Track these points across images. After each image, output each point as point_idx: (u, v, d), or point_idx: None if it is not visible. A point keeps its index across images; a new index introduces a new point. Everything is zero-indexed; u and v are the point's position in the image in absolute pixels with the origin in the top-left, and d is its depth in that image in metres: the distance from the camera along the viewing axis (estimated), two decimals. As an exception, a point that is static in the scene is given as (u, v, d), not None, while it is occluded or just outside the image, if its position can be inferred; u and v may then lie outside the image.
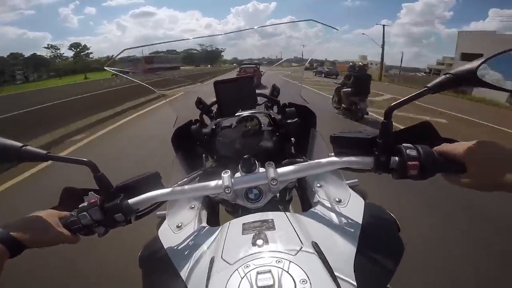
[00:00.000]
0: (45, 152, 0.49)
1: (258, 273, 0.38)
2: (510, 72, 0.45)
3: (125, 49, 0.89)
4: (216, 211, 0.81)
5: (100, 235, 0.54)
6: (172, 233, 0.60)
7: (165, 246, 0.55)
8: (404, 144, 0.49)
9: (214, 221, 0.74)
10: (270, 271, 0.38)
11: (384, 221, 0.54)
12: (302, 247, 0.43)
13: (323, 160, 0.56)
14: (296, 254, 0.41)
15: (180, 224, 0.62)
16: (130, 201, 0.54)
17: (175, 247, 0.55)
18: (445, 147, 0.47)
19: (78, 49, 63.19)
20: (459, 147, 0.45)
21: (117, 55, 0.90)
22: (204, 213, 0.69)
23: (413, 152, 0.47)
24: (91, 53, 65.48)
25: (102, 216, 0.52)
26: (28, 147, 0.48)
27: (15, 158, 0.48)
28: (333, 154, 0.57)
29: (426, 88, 0.46)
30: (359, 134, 0.55)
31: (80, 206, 0.53)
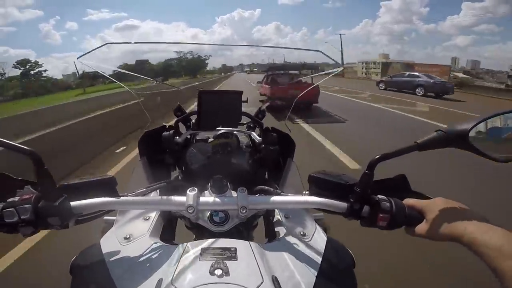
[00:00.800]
0: None
1: None
2: (500, 137, 0.46)
3: (106, 43, 0.83)
4: (173, 226, 0.75)
5: (26, 235, 0.46)
6: (117, 244, 0.54)
7: (106, 258, 0.49)
8: (379, 196, 0.51)
9: (169, 237, 0.69)
10: None
11: (342, 257, 0.55)
12: (262, 282, 0.41)
13: (299, 198, 0.55)
14: None
15: (128, 236, 0.56)
16: (73, 203, 0.48)
17: (118, 261, 0.49)
18: (411, 201, 0.51)
19: (26, 67, 44.99)
20: (422, 202, 0.50)
21: (96, 48, 0.78)
22: (159, 227, 0.63)
23: (386, 205, 0.49)
24: (44, 70, 47.04)
25: (32, 216, 0.44)
26: None
27: None
28: (307, 192, 0.57)
29: (415, 144, 0.47)
30: (338, 179, 0.55)
31: (8, 200, 0.45)
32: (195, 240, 0.61)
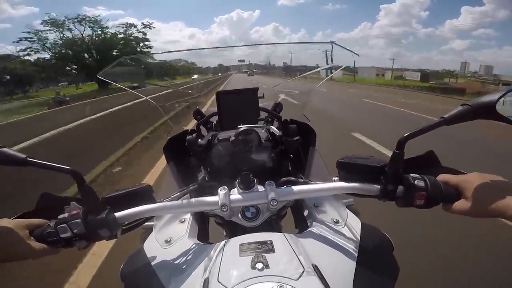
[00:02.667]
0: (24, 156, 0.45)
1: None
2: None
3: (120, 59, 0.88)
4: (206, 225, 0.78)
5: (80, 249, 0.49)
6: (160, 248, 0.56)
7: (152, 262, 0.52)
8: (411, 175, 0.50)
9: (204, 236, 0.71)
10: None
11: (380, 241, 0.54)
12: (303, 271, 0.41)
13: (329, 185, 0.55)
14: (298, 278, 0.40)
15: (169, 239, 0.58)
16: (117, 214, 0.50)
17: (163, 264, 0.51)
18: (445, 176, 0.50)
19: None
20: (458, 178, 0.49)
21: (113, 65, 0.87)
22: (195, 228, 0.66)
23: (421, 183, 0.49)
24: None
25: (84, 230, 0.47)
26: (5, 149, 0.45)
27: None
28: (337, 178, 0.57)
29: (442, 119, 0.47)
30: (368, 162, 0.55)
31: (59, 217, 0.48)
32: (227, 236, 0.63)
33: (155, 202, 0.54)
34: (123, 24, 33.99)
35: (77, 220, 0.47)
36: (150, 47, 34.54)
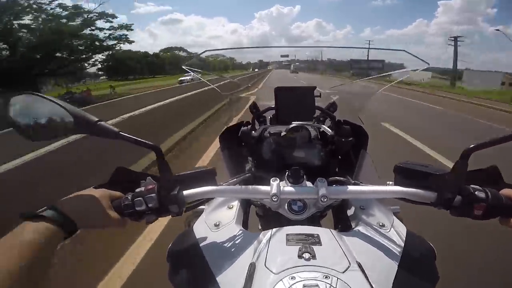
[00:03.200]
0: (117, 130, 0.49)
1: (304, 285, 0.38)
2: None
3: (206, 50, 0.98)
4: (247, 214, 0.81)
5: (148, 223, 0.52)
6: (209, 230, 0.59)
7: (200, 243, 0.54)
8: (472, 186, 0.49)
9: (246, 224, 0.75)
10: (317, 286, 0.37)
11: (423, 249, 0.54)
12: (349, 266, 0.42)
13: (384, 188, 0.56)
14: (344, 271, 0.41)
15: (218, 223, 0.61)
16: (185, 192, 0.54)
17: (211, 246, 0.54)
18: (509, 191, 0.49)
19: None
20: None
21: (199, 55, 0.99)
22: (241, 215, 0.69)
23: (482, 194, 0.48)
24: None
25: (157, 204, 0.50)
26: (102, 123, 0.48)
27: (88, 131, 0.48)
28: (391, 182, 0.57)
29: (511, 134, 0.44)
30: (427, 169, 0.54)
31: (136, 190, 0.52)
32: (262, 229, 0.66)
33: (216, 184, 0.58)
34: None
35: (152, 195, 0.50)
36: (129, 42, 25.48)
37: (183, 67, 0.94)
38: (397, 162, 0.57)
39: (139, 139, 0.50)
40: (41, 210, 0.43)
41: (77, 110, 0.47)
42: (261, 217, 0.87)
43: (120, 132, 0.49)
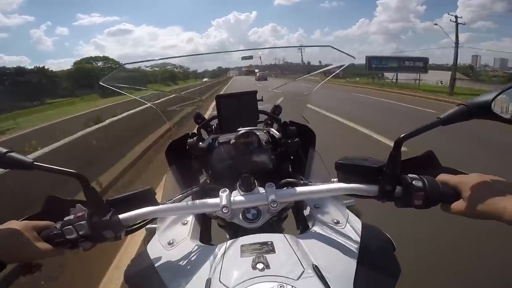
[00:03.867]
0: (31, 160, 0.46)
1: None
2: None
3: (122, 65, 0.90)
4: (208, 227, 0.79)
5: (86, 250, 0.51)
6: (163, 249, 0.57)
7: (155, 264, 0.53)
8: (409, 175, 0.51)
9: (206, 238, 0.72)
10: None
11: (381, 241, 0.55)
12: (303, 271, 0.42)
13: (328, 186, 0.56)
14: (298, 278, 0.41)
15: (172, 241, 0.59)
16: (121, 216, 0.51)
17: (166, 265, 0.52)
18: (445, 177, 0.50)
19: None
20: (457, 178, 0.48)
21: (115, 72, 0.90)
22: (197, 230, 0.67)
23: (419, 183, 0.49)
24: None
25: (89, 231, 0.49)
26: (13, 154, 0.46)
27: None
28: (336, 180, 0.57)
29: (438, 120, 0.47)
30: (366, 163, 0.55)
31: (65, 218, 0.50)
32: (229, 238, 0.64)
33: (157, 204, 0.55)
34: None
35: (82, 222, 0.48)
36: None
37: (101, 83, 0.86)
38: (337, 159, 0.58)
39: (58, 168, 0.47)
40: None
41: None
42: (224, 227, 0.84)
43: (35, 162, 0.46)
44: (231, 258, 0.47)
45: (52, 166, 0.47)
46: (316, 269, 0.43)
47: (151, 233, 0.65)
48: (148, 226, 0.68)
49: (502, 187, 0.44)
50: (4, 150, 0.45)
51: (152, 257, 0.54)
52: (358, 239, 0.53)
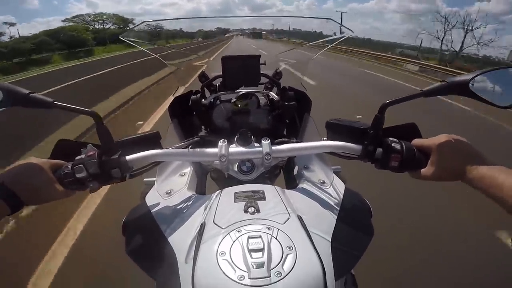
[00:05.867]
0: (51, 100, 0.48)
1: (249, 237, 0.41)
2: (502, 88, 0.49)
3: (143, 22, 0.95)
4: (204, 180, 0.83)
5: (92, 191, 0.52)
6: (161, 198, 0.60)
7: (152, 211, 0.55)
8: (390, 138, 0.55)
9: (201, 190, 0.77)
10: (260, 237, 0.41)
11: (360, 206, 0.59)
12: (289, 218, 0.46)
13: (317, 143, 0.60)
14: (284, 223, 0.45)
15: (169, 191, 0.62)
16: (128, 157, 0.54)
17: (163, 212, 0.55)
18: (419, 141, 0.54)
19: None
20: (428, 141, 0.52)
21: (135, 26, 0.97)
22: (194, 181, 0.71)
23: (397, 146, 0.53)
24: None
25: (98, 169, 0.50)
26: (35, 94, 0.47)
27: (21, 103, 0.47)
28: (325, 138, 0.61)
29: (421, 91, 0.51)
30: (353, 124, 0.59)
31: (77, 158, 0.51)
32: None
33: (161, 148, 0.59)
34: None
35: (93, 160, 0.50)
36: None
37: (120, 37, 0.90)
38: (328, 119, 0.62)
39: (76, 106, 0.49)
40: None
41: (6, 84, 0.47)
42: (217, 180, 0.91)
43: (55, 102, 0.48)
44: (225, 203, 0.51)
45: (70, 105, 0.49)
46: (300, 218, 0.47)
47: (148, 187, 0.68)
48: (146, 179, 0.72)
49: (463, 148, 0.48)
50: (27, 91, 0.47)
51: (150, 206, 0.57)
52: (340, 200, 0.58)
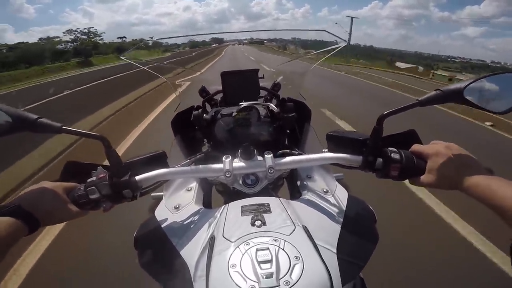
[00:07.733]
0: (59, 125, 0.49)
1: (257, 250, 0.43)
2: (496, 94, 0.51)
3: (141, 43, 0.96)
4: (210, 194, 0.85)
5: (105, 210, 0.55)
6: (169, 213, 0.62)
7: (163, 226, 0.57)
8: (390, 148, 0.56)
9: (208, 203, 0.78)
10: (268, 249, 0.43)
11: (364, 212, 0.60)
12: (295, 229, 0.48)
13: (318, 155, 0.62)
14: (290, 234, 0.47)
15: (177, 205, 0.64)
16: (137, 177, 0.56)
17: (173, 227, 0.57)
18: (417, 147, 0.55)
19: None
20: (426, 149, 0.53)
21: (133, 48, 1.01)
22: (201, 195, 0.72)
23: (397, 156, 0.54)
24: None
25: (110, 191, 0.53)
26: (43, 119, 0.48)
27: (30, 129, 0.48)
28: (326, 150, 0.63)
29: (417, 101, 0.52)
30: (352, 135, 0.61)
31: (88, 180, 0.54)
32: (227, 203, 0.71)
33: (168, 167, 0.61)
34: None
35: (104, 182, 0.53)
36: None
37: (121, 57, 0.93)
38: (329, 131, 0.64)
39: (84, 131, 0.51)
40: (6, 205, 0.43)
41: (14, 109, 0.47)
42: (222, 193, 0.92)
43: (63, 126, 0.49)
44: (233, 217, 0.52)
45: (79, 130, 0.50)
46: (305, 229, 0.48)
47: (156, 201, 0.69)
48: (153, 194, 0.73)
49: (459, 156, 0.49)
50: (35, 117, 0.48)
51: (159, 221, 0.59)
52: (344, 208, 0.59)
